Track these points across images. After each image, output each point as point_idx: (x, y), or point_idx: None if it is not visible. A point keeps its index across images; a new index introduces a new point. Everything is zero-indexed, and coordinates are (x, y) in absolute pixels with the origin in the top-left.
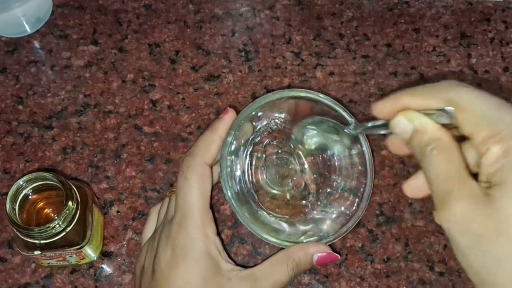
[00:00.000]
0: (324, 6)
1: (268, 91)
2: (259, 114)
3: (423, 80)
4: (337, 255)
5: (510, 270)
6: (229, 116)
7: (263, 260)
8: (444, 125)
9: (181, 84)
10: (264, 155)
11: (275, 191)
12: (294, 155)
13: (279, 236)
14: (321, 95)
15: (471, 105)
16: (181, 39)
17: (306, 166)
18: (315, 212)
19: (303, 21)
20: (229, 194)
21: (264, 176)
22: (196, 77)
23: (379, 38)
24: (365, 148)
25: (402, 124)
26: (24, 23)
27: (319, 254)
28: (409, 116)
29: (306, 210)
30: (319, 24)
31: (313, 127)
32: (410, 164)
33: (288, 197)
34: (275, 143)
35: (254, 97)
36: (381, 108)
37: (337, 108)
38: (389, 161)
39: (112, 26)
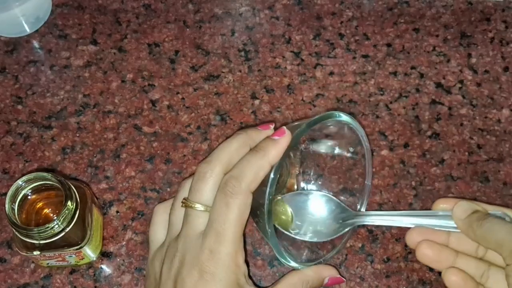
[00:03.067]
0: (324, 5)
1: (267, 91)
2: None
3: (423, 80)
4: (343, 278)
5: None
6: (285, 140)
7: (262, 260)
8: None
9: (180, 84)
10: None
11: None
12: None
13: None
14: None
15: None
16: (181, 39)
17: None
18: None
19: (303, 20)
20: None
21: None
22: (196, 77)
23: (379, 38)
24: (365, 149)
25: (467, 205)
26: (23, 23)
27: (330, 277)
28: (473, 204)
29: None
30: (319, 23)
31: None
32: (409, 164)
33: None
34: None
35: (254, 97)
36: (444, 203)
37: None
38: (389, 161)
39: (111, 26)
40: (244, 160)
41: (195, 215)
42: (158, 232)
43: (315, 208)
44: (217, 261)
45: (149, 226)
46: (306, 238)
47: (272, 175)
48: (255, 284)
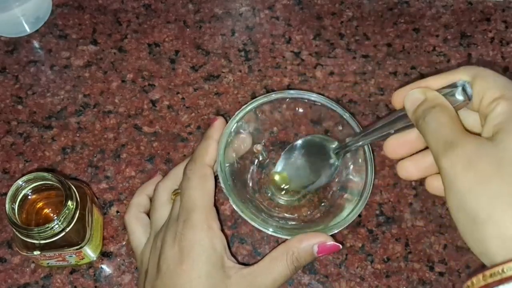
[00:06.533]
0: (324, 5)
1: (267, 91)
2: (257, 119)
3: None
4: (338, 244)
5: (508, 204)
6: (219, 122)
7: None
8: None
9: (180, 84)
10: (268, 166)
11: (281, 201)
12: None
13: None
14: (314, 95)
15: (487, 74)
16: (181, 39)
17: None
18: (317, 211)
19: (303, 20)
20: (226, 185)
21: (269, 185)
22: (196, 77)
23: (379, 38)
24: (366, 146)
25: (415, 95)
26: (24, 22)
27: (319, 245)
28: (423, 90)
29: (310, 213)
30: (319, 23)
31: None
32: None
33: (292, 203)
34: (277, 152)
35: (254, 97)
36: (401, 94)
37: (335, 108)
38: (389, 161)
39: (111, 26)
40: (196, 148)
41: (176, 201)
42: (140, 238)
43: (306, 156)
44: (190, 228)
45: (129, 236)
46: (313, 187)
47: (223, 139)
48: (238, 262)
